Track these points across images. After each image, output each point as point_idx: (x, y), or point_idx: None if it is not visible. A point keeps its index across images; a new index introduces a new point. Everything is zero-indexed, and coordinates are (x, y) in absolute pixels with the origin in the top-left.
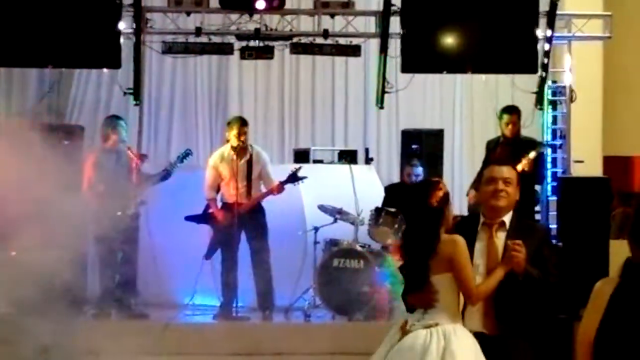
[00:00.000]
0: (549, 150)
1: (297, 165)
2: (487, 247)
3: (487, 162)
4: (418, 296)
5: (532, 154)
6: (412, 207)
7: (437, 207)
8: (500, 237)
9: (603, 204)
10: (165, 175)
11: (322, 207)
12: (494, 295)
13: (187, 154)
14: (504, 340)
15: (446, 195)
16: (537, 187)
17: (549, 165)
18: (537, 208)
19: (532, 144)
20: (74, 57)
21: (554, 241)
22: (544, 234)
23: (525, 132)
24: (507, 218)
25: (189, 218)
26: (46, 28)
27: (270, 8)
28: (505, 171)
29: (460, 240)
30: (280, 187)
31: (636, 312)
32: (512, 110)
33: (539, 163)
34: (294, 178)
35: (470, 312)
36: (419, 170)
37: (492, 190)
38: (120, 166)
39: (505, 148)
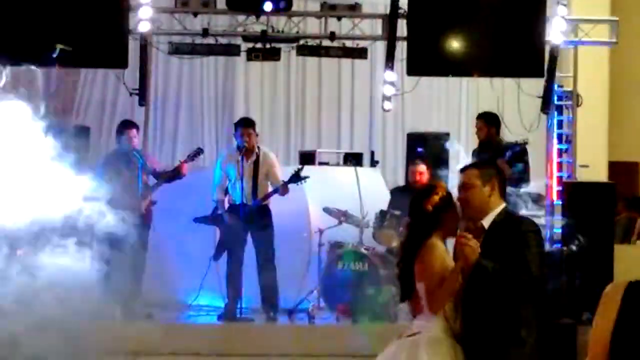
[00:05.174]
0: (555, 155)
1: (299, 166)
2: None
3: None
4: (409, 303)
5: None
6: (410, 210)
7: (431, 212)
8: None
9: (608, 209)
10: (177, 173)
11: (327, 210)
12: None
13: (197, 152)
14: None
15: (444, 200)
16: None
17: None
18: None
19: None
20: (81, 57)
21: (558, 245)
22: (528, 231)
23: (531, 136)
24: (488, 220)
25: (198, 219)
26: (53, 27)
27: (277, 10)
28: (463, 176)
29: (435, 246)
30: (284, 188)
31: None
32: (478, 117)
33: (513, 164)
34: (296, 178)
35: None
36: (423, 167)
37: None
38: (131, 169)
39: (481, 154)
